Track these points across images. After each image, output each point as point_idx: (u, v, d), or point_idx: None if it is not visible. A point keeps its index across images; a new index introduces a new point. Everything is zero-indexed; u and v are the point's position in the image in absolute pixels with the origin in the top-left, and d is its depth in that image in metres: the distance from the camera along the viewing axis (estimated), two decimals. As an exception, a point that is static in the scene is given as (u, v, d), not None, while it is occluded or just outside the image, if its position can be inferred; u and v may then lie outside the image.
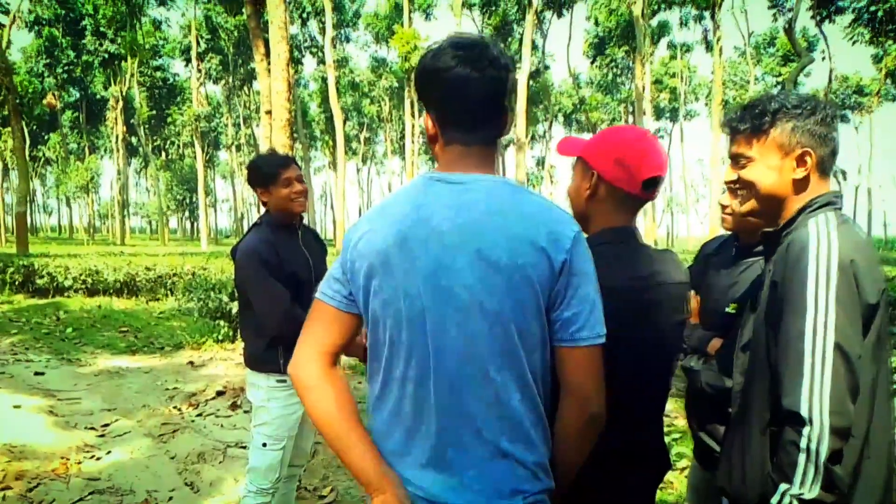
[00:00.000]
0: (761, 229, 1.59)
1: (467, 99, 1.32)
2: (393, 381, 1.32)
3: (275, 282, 2.69)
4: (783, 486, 1.27)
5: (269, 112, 10.71)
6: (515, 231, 1.25)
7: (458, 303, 1.24)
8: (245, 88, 47.86)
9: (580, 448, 1.36)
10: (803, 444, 1.25)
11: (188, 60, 44.79)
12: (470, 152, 1.35)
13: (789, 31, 22.87)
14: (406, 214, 1.30)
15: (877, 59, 38.19)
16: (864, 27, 33.20)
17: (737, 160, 1.58)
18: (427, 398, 1.27)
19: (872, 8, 31.55)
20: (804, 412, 1.26)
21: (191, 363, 7.50)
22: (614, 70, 46.41)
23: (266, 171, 2.84)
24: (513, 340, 1.25)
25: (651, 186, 1.60)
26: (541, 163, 65.07)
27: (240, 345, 7.91)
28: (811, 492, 1.24)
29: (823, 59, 40.94)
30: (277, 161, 2.89)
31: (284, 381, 2.77)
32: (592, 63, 47.05)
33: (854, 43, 35.05)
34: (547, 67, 49.26)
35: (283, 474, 2.86)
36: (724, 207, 2.24)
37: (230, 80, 46.32)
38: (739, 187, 1.59)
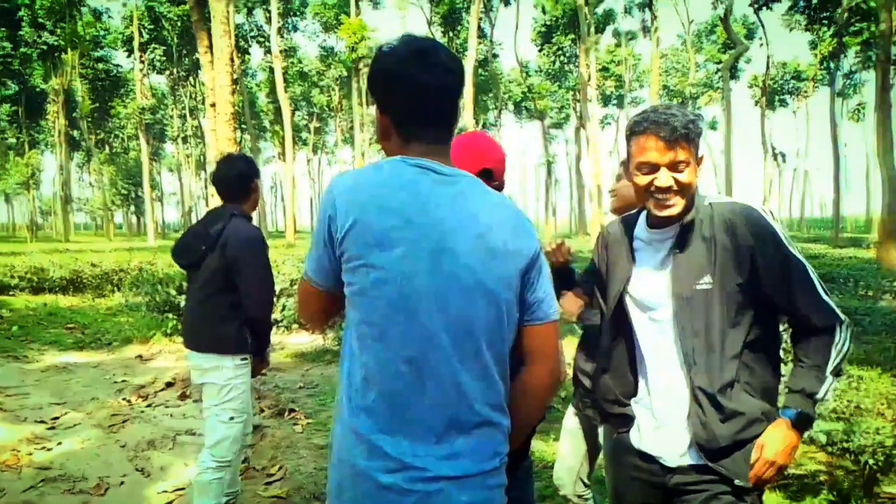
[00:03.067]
0: (678, 219, 1.80)
1: (427, 102, 1.42)
2: (383, 358, 1.34)
3: (269, 268, 3.10)
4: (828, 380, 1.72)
5: (214, 105, 10.73)
6: (505, 220, 1.41)
7: (460, 283, 1.34)
8: (191, 79, 46.94)
9: (543, 408, 1.57)
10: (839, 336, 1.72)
11: (130, 51, 43.75)
12: (430, 150, 1.43)
13: (725, 20, 23.59)
14: (403, 200, 1.35)
15: (813, 46, 39.48)
16: (800, 14, 34.45)
17: (676, 166, 1.74)
18: (423, 375, 1.32)
19: (809, -5, 32.77)
20: (835, 320, 1.72)
21: (139, 357, 7.59)
22: (561, 58, 46.94)
23: (253, 177, 3.30)
24: (502, 318, 1.38)
25: (487, 177, 1.84)
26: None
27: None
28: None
29: (761, 45, 42.18)
30: (255, 169, 3.33)
31: (246, 358, 3.12)
32: (540, 51, 47.55)
33: (791, 30, 36.33)
34: (495, 56, 49.56)
35: (244, 445, 3.18)
36: (612, 192, 2.71)
37: (175, 70, 45.40)
38: (675, 191, 1.76)
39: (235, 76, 9.98)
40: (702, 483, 1.78)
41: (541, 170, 73.25)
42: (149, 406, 5.61)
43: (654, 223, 1.89)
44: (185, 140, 53.02)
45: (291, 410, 5.34)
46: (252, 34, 44.26)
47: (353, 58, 33.78)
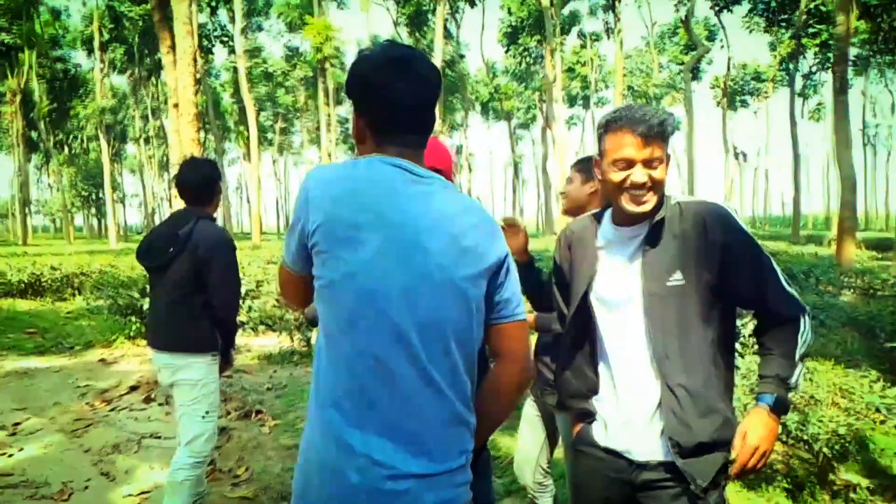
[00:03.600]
0: (647, 217, 1.84)
1: (402, 109, 1.45)
2: (352, 354, 1.35)
3: (237, 270, 3.23)
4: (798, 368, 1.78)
5: (176, 105, 10.61)
6: (476, 223, 1.44)
7: (431, 281, 1.35)
8: (153, 79, 46.19)
9: (511, 408, 1.59)
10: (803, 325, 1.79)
11: (91, 51, 42.85)
12: (404, 153, 1.46)
13: (686, 22, 24.00)
14: (377, 195, 1.38)
15: (772, 47, 40.29)
16: (759, 17, 35.20)
17: (651, 163, 1.78)
18: (392, 371, 1.33)
19: (768, -2, 33.48)
20: (799, 311, 1.80)
21: (102, 361, 7.48)
22: (528, 59, 47.22)
23: (218, 181, 3.38)
24: (472, 317, 1.41)
25: None
26: (459, 151, 65.65)
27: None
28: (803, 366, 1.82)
29: (722, 47, 42.96)
30: (218, 172, 3.42)
31: (216, 356, 3.20)
32: (506, 52, 47.77)
33: (751, 31, 37.06)
34: (462, 56, 49.67)
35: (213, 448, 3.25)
36: (562, 194, 2.81)
37: (136, 70, 44.62)
38: (650, 187, 1.79)
39: (198, 76, 9.89)
40: (670, 479, 1.80)
41: (508, 170, 73.72)
42: (113, 410, 5.54)
43: (622, 221, 1.90)
44: (147, 141, 52.14)
45: (258, 412, 5.32)
46: (216, 34, 43.63)
47: (319, 58, 33.56)
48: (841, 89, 12.92)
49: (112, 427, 5.05)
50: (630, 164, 1.78)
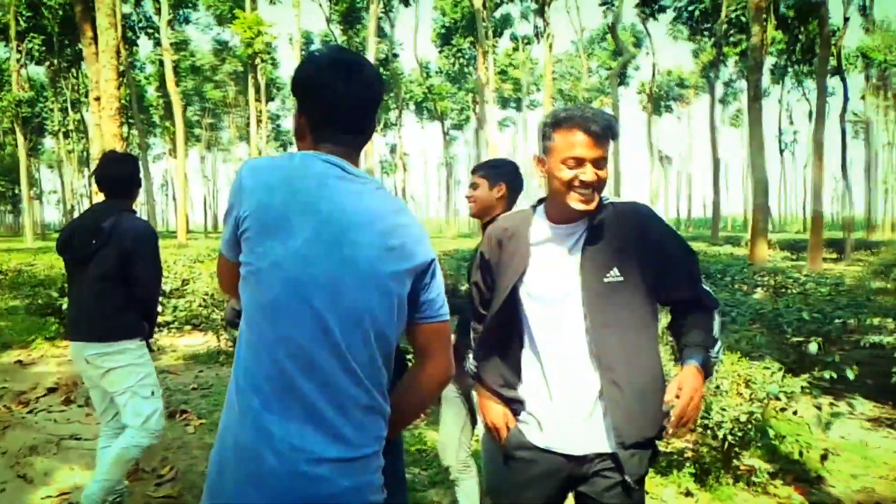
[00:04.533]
0: (584, 215, 1.90)
1: (341, 110, 1.51)
2: (273, 340, 1.38)
3: (160, 261, 3.33)
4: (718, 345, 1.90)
5: (98, 99, 10.28)
6: (406, 224, 1.49)
7: (356, 274, 1.39)
8: (73, 70, 44.28)
9: (429, 402, 1.66)
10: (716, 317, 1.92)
11: (7, 40, 40.72)
12: (340, 152, 1.51)
13: (613, 29, 24.70)
14: (310, 188, 1.41)
15: (696, 55, 41.89)
16: (683, 25, 36.51)
17: (598, 163, 1.83)
18: (312, 358, 1.36)
19: (690, 7, 34.75)
20: (715, 305, 1.95)
21: (19, 362, 7.21)
22: (461, 60, 47.56)
23: (137, 176, 3.45)
24: (392, 312, 1.45)
25: None
26: (394, 150, 65.56)
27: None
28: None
29: (648, 54, 44.36)
30: (139, 168, 3.52)
31: (143, 341, 3.32)
32: (440, 53, 47.99)
33: (676, 39, 38.46)
34: (396, 56, 49.64)
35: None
36: (468, 198, 2.97)
37: (56, 61, 42.68)
38: (595, 188, 1.85)
39: (122, 69, 9.62)
40: (607, 470, 1.87)
41: (442, 170, 74.00)
42: (30, 412, 5.37)
43: (559, 219, 1.94)
44: (66, 135, 49.94)
45: (183, 412, 5.26)
46: (140, 25, 42.21)
47: (249, 53, 32.96)
48: (755, 97, 13.62)
49: (30, 429, 4.91)
50: (580, 162, 1.82)
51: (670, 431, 1.77)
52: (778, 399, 3.72)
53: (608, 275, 1.86)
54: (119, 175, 3.35)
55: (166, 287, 8.89)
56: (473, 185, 2.97)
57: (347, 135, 1.54)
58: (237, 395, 1.41)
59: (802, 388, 3.81)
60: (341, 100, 1.50)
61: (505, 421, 2.03)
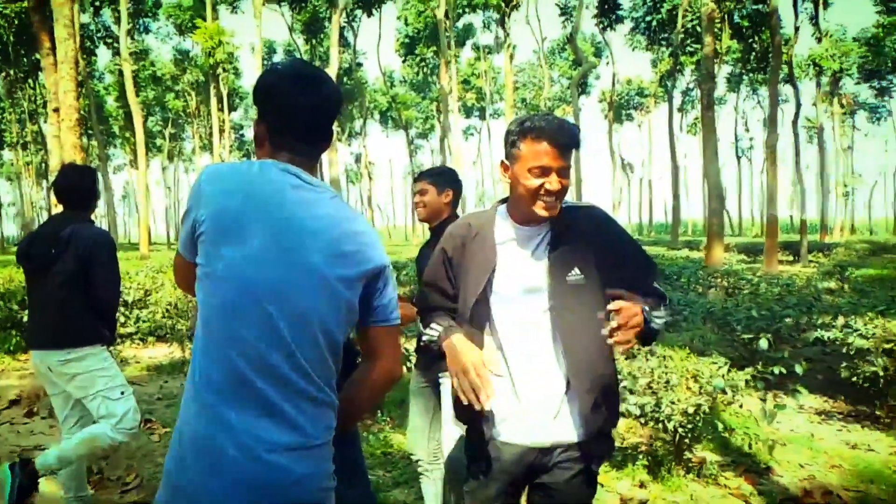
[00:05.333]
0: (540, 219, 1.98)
1: (299, 120, 1.59)
2: (228, 340, 1.44)
3: (117, 266, 3.39)
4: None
5: (56, 109, 10.17)
6: (356, 231, 1.56)
7: (307, 280, 1.47)
8: (30, 81, 43.38)
9: (376, 400, 1.76)
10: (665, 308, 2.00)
11: (-42, 49, 39.81)
12: (297, 161, 1.58)
13: (572, 39, 25.12)
14: (267, 195, 1.49)
15: (654, 65, 42.69)
16: (641, 35, 37.26)
17: (562, 171, 1.91)
18: (264, 356, 1.43)
19: (647, 18, 35.51)
20: (665, 297, 2.03)
21: (-22, 376, 7.12)
22: (425, 69, 47.78)
23: (95, 187, 3.52)
24: (340, 315, 1.52)
25: None
26: (359, 159, 65.48)
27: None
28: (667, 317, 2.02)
29: (607, 63, 45.10)
30: (96, 180, 3.58)
31: (105, 346, 3.38)
32: (404, 62, 48.15)
33: (634, 49, 39.15)
34: (360, 65, 49.65)
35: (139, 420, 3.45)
36: (416, 204, 3.18)
37: (12, 71, 41.82)
38: (558, 196, 1.93)
39: (80, 79, 9.54)
40: (570, 460, 1.98)
41: (408, 179, 73.98)
42: (-10, 426, 5.33)
43: (523, 221, 2.01)
44: (24, 146, 48.94)
45: (148, 421, 5.27)
46: (99, 35, 41.56)
47: (211, 63, 32.72)
48: (708, 105, 14.04)
49: (-10, 442, 4.88)
50: (546, 172, 1.89)
51: (609, 341, 1.78)
52: (724, 392, 3.90)
53: (570, 275, 1.95)
54: (77, 186, 3.42)
55: (129, 298, 8.83)
56: (422, 192, 3.17)
57: (304, 144, 1.62)
58: (194, 392, 1.47)
59: (747, 381, 3.99)
60: (300, 111, 1.58)
61: (482, 360, 1.92)
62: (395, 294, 1.66)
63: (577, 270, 1.96)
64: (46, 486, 3.48)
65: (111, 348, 3.55)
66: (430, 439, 3.26)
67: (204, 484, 1.42)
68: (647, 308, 1.85)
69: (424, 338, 2.12)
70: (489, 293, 2.02)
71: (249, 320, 1.44)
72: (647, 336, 1.88)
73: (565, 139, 1.90)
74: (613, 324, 1.74)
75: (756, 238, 38.88)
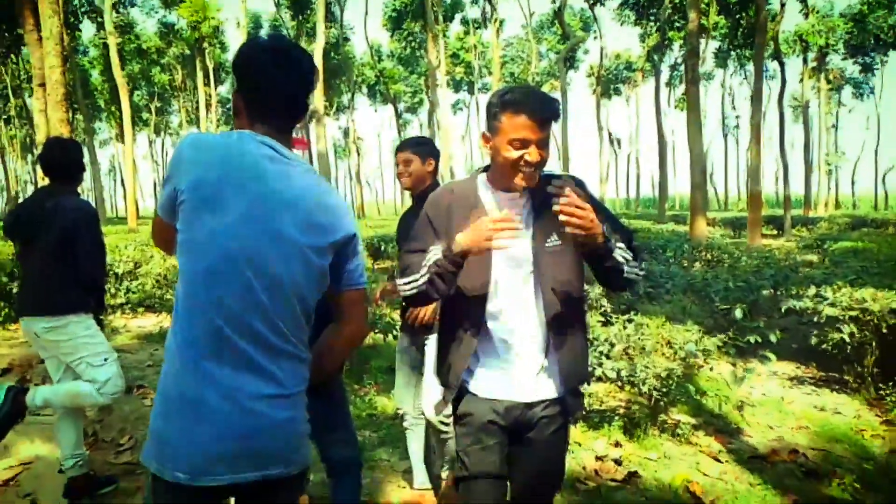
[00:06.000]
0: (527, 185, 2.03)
1: (275, 93, 1.66)
2: (209, 302, 1.54)
3: (101, 237, 3.46)
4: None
5: (42, 85, 10.13)
6: (328, 203, 1.66)
7: (283, 247, 1.57)
8: (13, 56, 42.69)
9: (345, 356, 1.90)
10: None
11: (-62, 22, 39.06)
12: (272, 133, 1.67)
13: (559, 14, 25.04)
14: (245, 167, 1.57)
15: (642, 39, 42.55)
16: (629, 10, 37.10)
17: (541, 143, 1.97)
18: (243, 317, 1.54)
19: (636, -8, 35.33)
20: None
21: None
22: (413, 44, 47.40)
23: (81, 161, 3.59)
24: (313, 280, 1.64)
25: None
26: (347, 133, 65.12)
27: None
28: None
29: (595, 38, 44.92)
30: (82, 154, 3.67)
31: (90, 314, 3.47)
32: (392, 36, 47.73)
33: (623, 24, 39.00)
34: (347, 39, 49.20)
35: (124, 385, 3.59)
36: (401, 174, 3.32)
37: (-7, 45, 41.10)
38: (538, 167, 1.99)
39: (65, 54, 9.49)
40: (551, 415, 2.10)
41: (394, 153, 73.67)
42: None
43: (503, 188, 2.09)
44: (7, 121, 48.35)
45: (140, 386, 5.40)
46: (83, 9, 40.87)
47: (196, 36, 32.38)
48: (693, 80, 14.14)
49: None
50: (526, 144, 1.95)
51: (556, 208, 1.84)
52: (696, 357, 4.07)
53: (549, 240, 2.05)
54: (62, 160, 3.51)
55: (118, 270, 8.90)
56: (406, 161, 3.31)
57: (281, 117, 1.70)
58: (177, 350, 1.58)
59: (718, 347, 4.17)
60: (276, 85, 1.66)
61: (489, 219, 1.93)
62: (362, 261, 1.78)
63: (555, 237, 2.05)
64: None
65: (104, 316, 3.64)
66: (415, 396, 3.43)
67: (190, 432, 1.53)
68: (608, 230, 1.96)
69: (420, 281, 2.04)
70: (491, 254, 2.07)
71: (230, 285, 1.55)
72: (604, 255, 1.97)
73: (544, 112, 1.96)
74: (564, 200, 1.82)
75: (741, 213, 39.21)
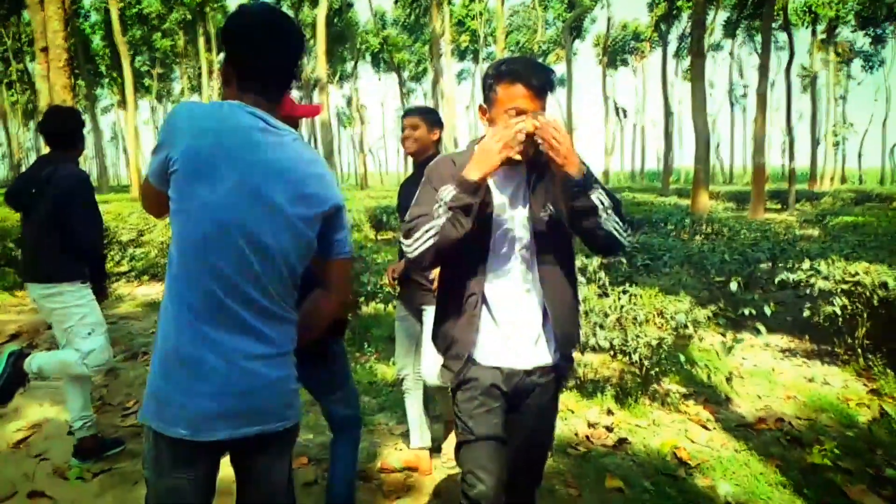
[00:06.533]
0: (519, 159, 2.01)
1: (264, 62, 1.70)
2: (203, 268, 1.60)
3: (95, 205, 3.50)
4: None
5: (44, 49, 10.11)
6: (316, 174, 1.71)
7: (274, 217, 1.63)
8: (13, 19, 42.36)
9: (329, 321, 1.95)
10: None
11: (-62, -14, 38.74)
12: (260, 102, 1.70)
13: (566, -19, 24.66)
14: (236, 139, 1.62)
15: (651, 8, 42.03)
16: (638, -23, 36.56)
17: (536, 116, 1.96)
18: (236, 283, 1.61)
19: (645, -40, 34.84)
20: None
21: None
22: (417, 11, 46.86)
23: (82, 132, 3.67)
24: (301, 249, 1.70)
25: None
26: (350, 102, 64.72)
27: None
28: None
29: (603, 7, 44.34)
30: (82, 122, 3.70)
31: (86, 283, 3.52)
32: (396, 3, 47.17)
33: (630, -8, 38.47)
34: (350, 5, 48.68)
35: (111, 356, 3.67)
36: (406, 138, 3.39)
37: (-6, 9, 40.77)
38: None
39: (67, 18, 9.47)
40: (546, 383, 2.17)
41: (400, 123, 73.34)
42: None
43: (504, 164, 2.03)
44: (9, 85, 48.13)
45: (145, 353, 5.54)
46: (84, -29, 40.48)
47: (198, 1, 32.05)
48: (698, 52, 14.06)
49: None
50: (521, 114, 1.96)
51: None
52: (686, 328, 4.17)
53: (543, 211, 2.09)
54: (61, 129, 3.57)
55: (122, 238, 9.00)
56: (414, 126, 3.39)
57: (270, 87, 1.74)
58: (173, 313, 1.64)
59: (708, 318, 4.26)
60: (264, 53, 1.69)
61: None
62: (348, 231, 1.84)
63: (550, 206, 2.09)
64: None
65: (109, 284, 3.73)
66: (415, 362, 3.55)
67: (191, 389, 1.61)
68: (589, 168, 1.97)
69: (439, 222, 1.97)
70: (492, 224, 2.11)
71: (223, 253, 1.61)
72: (580, 191, 1.94)
73: (539, 81, 1.99)
74: (542, 119, 1.89)
75: (746, 186, 39.12)
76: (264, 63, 1.71)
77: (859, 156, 56.20)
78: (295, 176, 1.68)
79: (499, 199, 2.13)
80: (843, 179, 54.08)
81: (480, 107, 2.13)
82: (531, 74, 1.98)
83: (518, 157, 1.99)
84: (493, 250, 2.12)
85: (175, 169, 1.61)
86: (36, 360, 3.48)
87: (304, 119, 2.52)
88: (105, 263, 3.88)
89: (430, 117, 3.42)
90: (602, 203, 1.97)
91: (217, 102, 1.70)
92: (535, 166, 2.11)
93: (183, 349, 1.61)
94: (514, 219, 2.10)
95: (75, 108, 3.96)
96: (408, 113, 3.47)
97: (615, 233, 2.02)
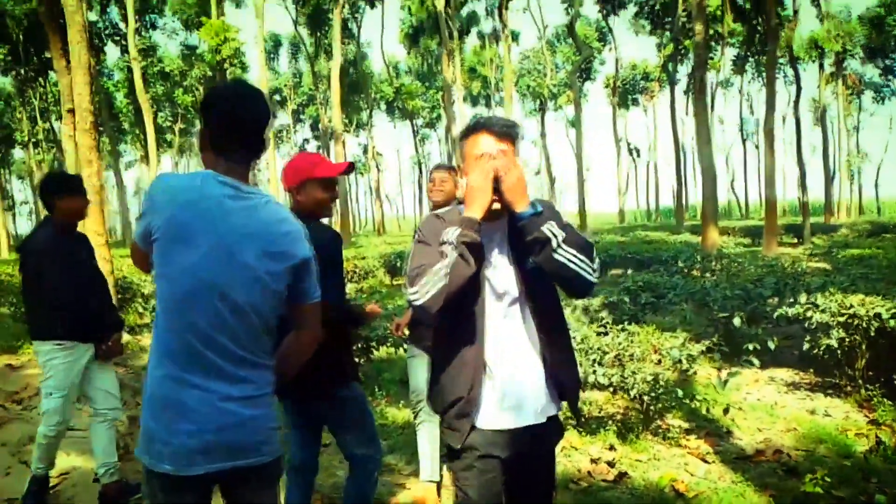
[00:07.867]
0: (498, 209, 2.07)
1: (236, 131, 1.93)
2: (184, 323, 1.82)
3: (67, 264, 3.68)
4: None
5: (70, 111, 10.59)
6: (283, 232, 1.92)
7: (244, 277, 1.84)
8: (40, 80, 43.85)
9: (303, 359, 2.16)
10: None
11: (-30, 50, 40.28)
12: (235, 169, 1.92)
13: (571, 28, 25.34)
14: (210, 208, 1.82)
15: (659, 48, 42.62)
16: (644, 20, 37.28)
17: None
18: (213, 336, 1.81)
19: (651, 2, 35.55)
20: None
21: (9, 366, 7.61)
22: (429, 60, 47.90)
23: (52, 195, 3.80)
24: (272, 303, 1.91)
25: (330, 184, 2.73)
26: (366, 150, 65.72)
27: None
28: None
29: (611, 49, 45.07)
30: (72, 183, 3.90)
31: (62, 344, 3.70)
32: (409, 53, 48.30)
33: (637, 33, 39.17)
34: (364, 56, 49.90)
35: (67, 418, 3.85)
36: (433, 190, 3.76)
37: (22, 70, 42.30)
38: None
39: (92, 80, 9.95)
40: (551, 433, 2.20)
41: (415, 169, 74.16)
42: (24, 409, 5.82)
43: (485, 216, 2.06)
44: (36, 145, 49.57)
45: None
46: (107, 32, 41.89)
47: (218, 59, 33.09)
48: (700, 91, 14.37)
49: (26, 423, 5.37)
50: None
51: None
52: (680, 363, 4.33)
53: (528, 262, 2.10)
54: (41, 194, 3.87)
55: (144, 290, 9.31)
56: (443, 180, 3.75)
57: (240, 151, 1.95)
58: (158, 361, 1.86)
59: (702, 353, 4.42)
60: (239, 122, 1.93)
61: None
62: (315, 278, 2.01)
63: (531, 259, 2.09)
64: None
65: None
66: None
67: (173, 427, 1.80)
68: (543, 207, 2.04)
69: (450, 260, 1.99)
70: (485, 286, 2.13)
71: (200, 310, 1.83)
72: (529, 224, 2.00)
73: (499, 126, 2.11)
74: (496, 163, 2.01)
75: (761, 221, 38.99)
76: (237, 129, 1.93)
77: (876, 186, 55.84)
78: (264, 236, 1.88)
79: (486, 255, 2.12)
80: (861, 210, 53.67)
81: (459, 168, 2.26)
82: (492, 122, 2.14)
83: (497, 205, 2.04)
84: (486, 306, 2.12)
85: (157, 237, 1.84)
86: (33, 458, 3.88)
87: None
88: (105, 319, 3.97)
89: (457, 174, 3.75)
90: (554, 235, 1.98)
91: (192, 174, 1.92)
92: (513, 220, 2.12)
93: (167, 393, 1.82)
94: (502, 273, 2.14)
95: (55, 172, 4.35)
96: (437, 167, 3.87)
97: (575, 267, 2.00)
